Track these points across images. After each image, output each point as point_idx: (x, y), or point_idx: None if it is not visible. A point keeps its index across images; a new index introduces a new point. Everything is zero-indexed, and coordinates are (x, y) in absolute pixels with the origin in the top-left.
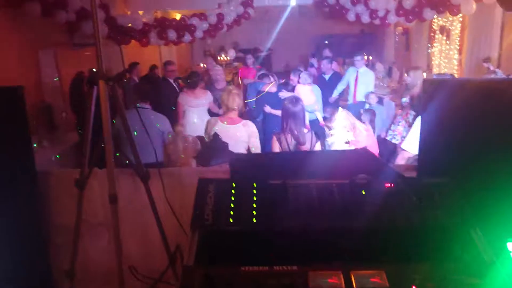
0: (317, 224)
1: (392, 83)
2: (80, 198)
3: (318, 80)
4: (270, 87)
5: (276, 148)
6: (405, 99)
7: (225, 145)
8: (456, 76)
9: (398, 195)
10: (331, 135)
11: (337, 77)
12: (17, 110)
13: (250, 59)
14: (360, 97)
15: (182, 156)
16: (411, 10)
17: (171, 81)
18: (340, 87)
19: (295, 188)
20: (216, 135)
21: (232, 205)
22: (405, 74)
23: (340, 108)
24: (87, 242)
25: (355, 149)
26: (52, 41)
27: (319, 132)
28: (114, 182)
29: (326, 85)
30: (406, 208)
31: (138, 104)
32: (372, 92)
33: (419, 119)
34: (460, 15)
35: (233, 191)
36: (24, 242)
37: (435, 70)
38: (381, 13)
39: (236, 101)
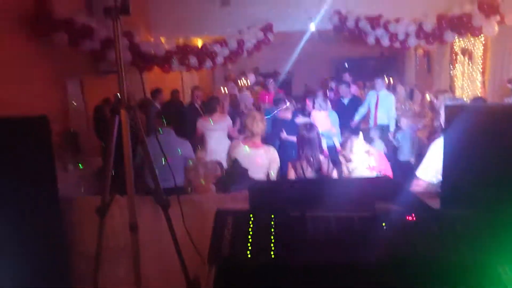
0: (337, 259)
1: (414, 106)
2: (100, 226)
3: (337, 104)
4: (284, 112)
5: (292, 175)
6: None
7: (245, 171)
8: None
9: (420, 228)
10: (352, 161)
11: (356, 101)
12: (43, 138)
13: (271, 84)
14: (381, 120)
15: (203, 182)
16: (431, 33)
17: (197, 106)
18: (361, 111)
19: (314, 220)
20: (236, 161)
21: (250, 238)
22: (427, 96)
23: (361, 133)
24: (108, 269)
25: (378, 177)
26: (79, 69)
27: (337, 159)
28: (135, 210)
29: (345, 110)
30: (428, 242)
31: (160, 129)
32: (404, 116)
33: (434, 144)
34: (482, 36)
35: (251, 224)
36: (47, 269)
37: (458, 92)
38: (401, 37)
39: (259, 126)
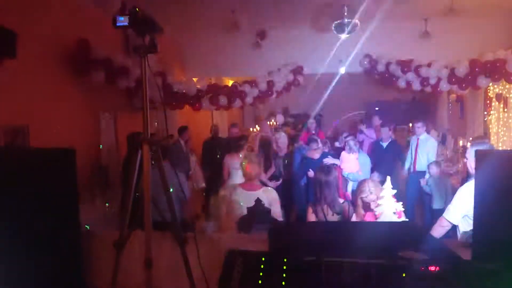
0: None
1: (446, 151)
2: (117, 260)
3: (375, 147)
4: (313, 152)
5: (312, 219)
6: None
7: (267, 211)
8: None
9: (443, 281)
10: (379, 204)
11: (394, 146)
12: (68, 171)
13: (312, 124)
14: (420, 167)
15: (225, 220)
16: (464, 78)
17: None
18: (409, 158)
19: (329, 266)
20: (258, 200)
21: (260, 282)
22: (460, 142)
23: (388, 177)
24: None
25: (403, 222)
26: (113, 104)
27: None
28: (151, 246)
29: (383, 153)
30: None
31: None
32: (435, 162)
33: (461, 189)
34: None
35: (262, 267)
36: None
37: (493, 139)
38: (432, 81)
39: (255, 169)
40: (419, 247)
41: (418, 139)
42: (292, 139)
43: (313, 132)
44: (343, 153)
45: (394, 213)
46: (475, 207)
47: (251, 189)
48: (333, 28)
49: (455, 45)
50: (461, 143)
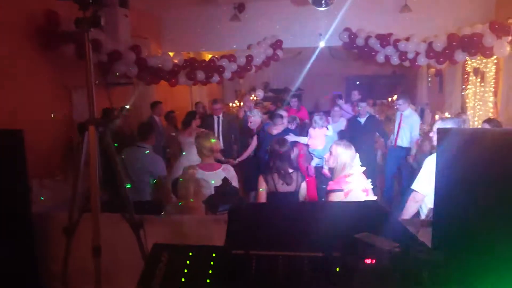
0: None
1: (424, 126)
2: (67, 245)
3: (353, 123)
4: (273, 128)
5: (263, 186)
6: None
7: (235, 190)
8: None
9: (378, 275)
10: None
11: (372, 121)
12: (16, 152)
13: (294, 102)
14: (401, 142)
15: (192, 200)
16: (442, 52)
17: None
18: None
19: (259, 260)
20: (226, 179)
21: (183, 280)
22: (436, 116)
23: (357, 154)
24: None
25: (365, 202)
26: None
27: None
28: (99, 232)
29: (361, 129)
30: None
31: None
32: (427, 138)
33: (427, 159)
34: (495, 57)
35: (188, 262)
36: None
37: (470, 113)
38: (411, 55)
39: (218, 147)
40: (379, 229)
41: (401, 114)
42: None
43: (295, 108)
44: (310, 129)
45: (364, 191)
46: (435, 187)
47: (211, 169)
48: (310, 0)
49: (434, 20)
50: (437, 117)
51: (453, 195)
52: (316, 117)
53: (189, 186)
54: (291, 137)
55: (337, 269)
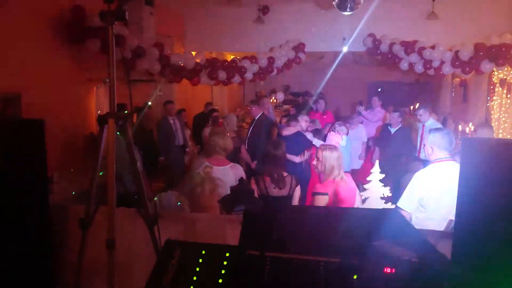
0: None
1: None
2: (83, 238)
3: (383, 131)
4: (287, 130)
5: (254, 189)
6: None
7: (251, 191)
8: None
9: (397, 285)
10: (367, 189)
11: (403, 132)
12: (36, 142)
13: (321, 105)
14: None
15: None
16: (468, 61)
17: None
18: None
19: (274, 263)
20: (241, 179)
21: (194, 278)
22: (460, 127)
23: (377, 161)
24: (90, 283)
25: (383, 209)
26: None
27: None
28: (114, 225)
29: (391, 139)
30: None
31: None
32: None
33: (416, 175)
34: None
35: (200, 261)
36: (30, 277)
37: (495, 125)
38: (435, 64)
39: (231, 145)
40: (397, 238)
41: (423, 125)
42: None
43: (321, 112)
44: (330, 134)
45: (382, 197)
46: (458, 198)
47: (218, 165)
48: (334, 3)
49: (461, 28)
50: (460, 128)
51: (476, 208)
52: (337, 124)
53: (204, 184)
54: (309, 136)
55: (355, 277)
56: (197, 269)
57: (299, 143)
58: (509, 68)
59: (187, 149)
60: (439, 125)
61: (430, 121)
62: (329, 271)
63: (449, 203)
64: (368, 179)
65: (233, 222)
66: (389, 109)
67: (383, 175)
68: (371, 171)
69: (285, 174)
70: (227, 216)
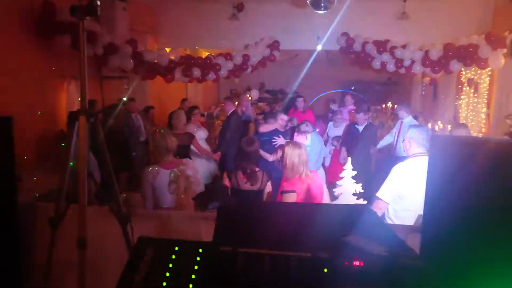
0: None
1: None
2: (52, 237)
3: (350, 129)
4: (261, 126)
5: (227, 183)
6: None
7: (225, 188)
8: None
9: (366, 277)
10: (339, 185)
11: (370, 130)
12: (6, 140)
13: (300, 103)
14: (401, 152)
15: (183, 196)
16: (437, 61)
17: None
18: (387, 139)
19: (246, 258)
20: (217, 177)
21: (167, 274)
22: (429, 125)
23: (349, 158)
24: (61, 283)
25: (355, 205)
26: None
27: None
28: (85, 225)
29: (358, 136)
30: None
31: None
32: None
33: (395, 168)
34: (489, 68)
35: (173, 257)
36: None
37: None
38: (407, 63)
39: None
40: (367, 233)
41: (401, 122)
42: (265, 116)
43: (301, 110)
44: (295, 134)
45: (354, 194)
46: (426, 194)
47: (171, 167)
48: (308, 2)
49: (432, 28)
50: (430, 126)
51: (443, 202)
52: (302, 124)
53: (179, 182)
54: (280, 140)
55: (325, 270)
56: (170, 265)
57: (275, 141)
58: (477, 68)
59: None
60: (417, 123)
61: (409, 118)
62: (300, 266)
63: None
64: (340, 175)
65: (207, 219)
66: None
67: (355, 172)
68: (344, 168)
69: (257, 169)
70: (201, 213)
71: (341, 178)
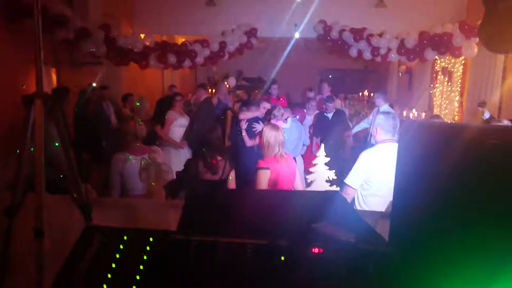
0: None
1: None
2: (8, 229)
3: (320, 118)
4: (244, 114)
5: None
6: None
7: (197, 175)
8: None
9: (326, 265)
10: (313, 172)
11: (340, 115)
12: None
13: (275, 90)
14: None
15: (153, 183)
16: (412, 49)
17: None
18: (362, 124)
19: (199, 246)
20: (188, 164)
21: (113, 265)
22: (404, 113)
23: (322, 144)
24: (21, 274)
25: (326, 192)
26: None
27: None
28: (42, 214)
29: (329, 124)
30: (331, 285)
31: None
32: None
33: (363, 154)
34: (463, 57)
35: (121, 247)
36: None
37: (436, 111)
38: (383, 51)
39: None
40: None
41: (378, 109)
42: (243, 103)
43: (275, 97)
44: (272, 120)
45: (327, 181)
46: (395, 179)
47: (141, 153)
48: None
49: (408, 17)
50: (405, 113)
51: (413, 188)
52: (275, 110)
53: (150, 170)
54: (259, 126)
55: (282, 258)
56: (117, 255)
57: (254, 127)
58: (451, 57)
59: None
60: (392, 111)
61: (385, 106)
62: (256, 253)
63: (392, 182)
64: (314, 162)
65: (177, 207)
66: (339, 96)
67: (328, 159)
68: (317, 154)
69: (219, 158)
70: (171, 201)
71: (314, 165)
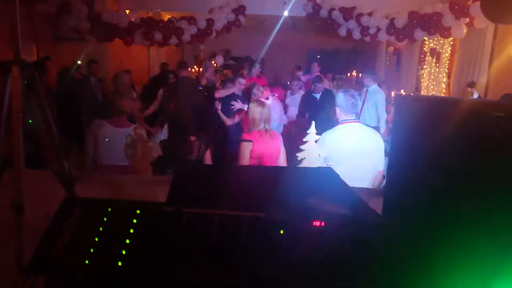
0: (203, 275)
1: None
2: None
3: (308, 98)
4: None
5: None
6: None
7: (184, 153)
8: None
9: (327, 238)
10: (303, 149)
11: (328, 95)
12: None
13: (257, 70)
14: (365, 120)
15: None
16: (402, 29)
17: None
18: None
19: (192, 219)
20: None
21: (96, 239)
22: (392, 93)
23: (313, 122)
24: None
25: (318, 168)
26: (34, 33)
27: None
28: (21, 188)
29: (317, 105)
30: (334, 258)
31: None
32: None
33: (322, 136)
34: (451, 38)
35: (105, 219)
36: None
37: (424, 92)
38: (372, 31)
39: (130, 106)
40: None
41: (367, 90)
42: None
43: (256, 76)
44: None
45: (317, 158)
46: (390, 156)
47: (121, 126)
48: None
49: None
50: (393, 94)
51: (406, 163)
52: (254, 89)
53: (136, 146)
54: (238, 104)
55: (281, 232)
56: (101, 228)
57: (233, 105)
58: (439, 38)
59: None
60: (381, 91)
61: (374, 86)
62: (252, 227)
63: (354, 161)
64: (304, 140)
65: (165, 183)
66: (328, 76)
67: (319, 136)
68: (308, 132)
69: (192, 138)
70: (159, 177)
71: (305, 142)
